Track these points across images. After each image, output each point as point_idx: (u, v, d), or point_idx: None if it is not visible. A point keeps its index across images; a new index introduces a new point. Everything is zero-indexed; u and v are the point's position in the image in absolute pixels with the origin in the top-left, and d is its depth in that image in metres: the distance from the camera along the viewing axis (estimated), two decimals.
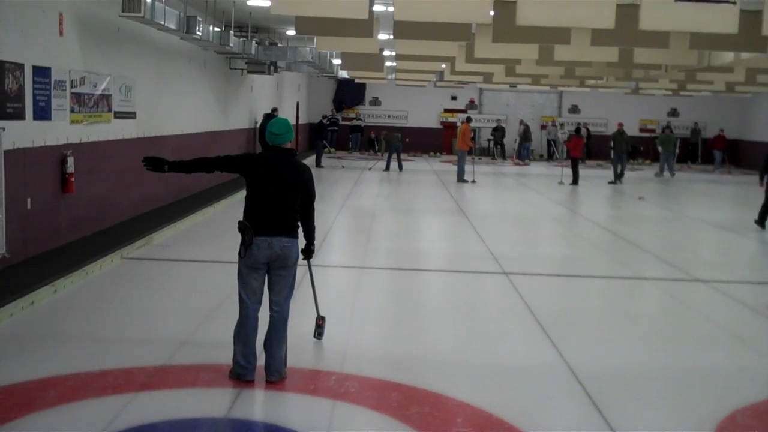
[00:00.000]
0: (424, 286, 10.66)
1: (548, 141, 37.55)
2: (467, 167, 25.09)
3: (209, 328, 7.97)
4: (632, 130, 38.36)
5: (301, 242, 6.65)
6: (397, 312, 9.09)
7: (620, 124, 27.83)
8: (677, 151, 30.78)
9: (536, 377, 6.91)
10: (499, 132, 36.73)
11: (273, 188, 6.30)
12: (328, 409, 5.96)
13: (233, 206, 17.07)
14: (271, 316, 6.50)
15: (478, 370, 7.08)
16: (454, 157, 27.30)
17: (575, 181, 24.56)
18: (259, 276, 6.42)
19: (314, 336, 7.55)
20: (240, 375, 6.41)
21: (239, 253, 6.38)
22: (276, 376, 6.43)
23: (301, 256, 6.60)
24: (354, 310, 8.82)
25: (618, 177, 25.97)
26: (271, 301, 6.50)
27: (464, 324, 8.74)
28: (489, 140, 37.25)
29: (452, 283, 10.97)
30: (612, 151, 26.67)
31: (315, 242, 6.88)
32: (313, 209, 6.61)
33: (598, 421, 5.94)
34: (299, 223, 6.55)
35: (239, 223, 6.35)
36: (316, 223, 6.77)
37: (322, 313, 7.63)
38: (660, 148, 29.80)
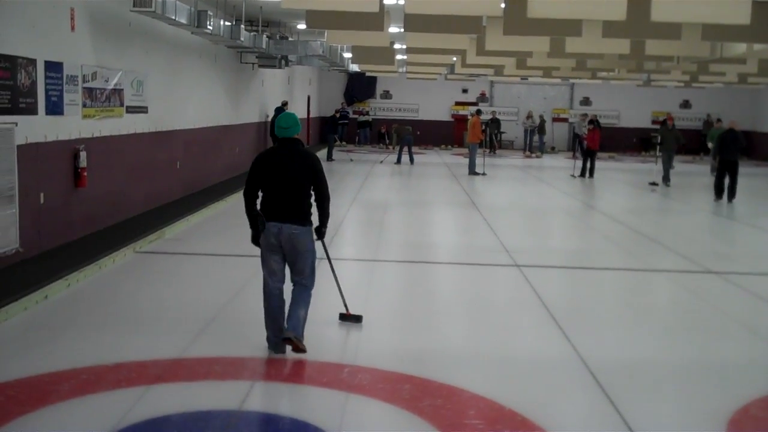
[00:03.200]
0: (436, 279, 10.66)
1: (575, 135, 36.35)
2: (478, 160, 25.06)
3: (222, 321, 7.99)
4: (644, 121, 38.35)
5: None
6: (409, 305, 9.10)
7: (670, 118, 24.89)
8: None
9: (548, 369, 6.91)
10: (494, 123, 35.77)
11: (281, 177, 6.71)
12: (341, 402, 5.97)
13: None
14: (294, 286, 6.90)
15: (490, 362, 7.08)
16: (466, 150, 27.26)
17: (591, 174, 24.27)
18: (278, 258, 6.81)
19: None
20: (273, 348, 6.87)
21: (252, 239, 6.89)
22: (291, 332, 6.68)
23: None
24: (366, 302, 8.83)
25: (664, 179, 22.78)
26: (293, 280, 6.90)
27: (476, 316, 8.74)
28: (483, 131, 36.66)
29: (464, 275, 10.96)
30: (659, 148, 23.53)
31: (327, 230, 7.15)
32: (325, 195, 6.89)
33: (611, 412, 5.93)
34: (315, 209, 6.89)
35: (253, 213, 6.77)
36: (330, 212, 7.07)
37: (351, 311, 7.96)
38: (710, 144, 25.97)
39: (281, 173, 6.71)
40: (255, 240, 6.88)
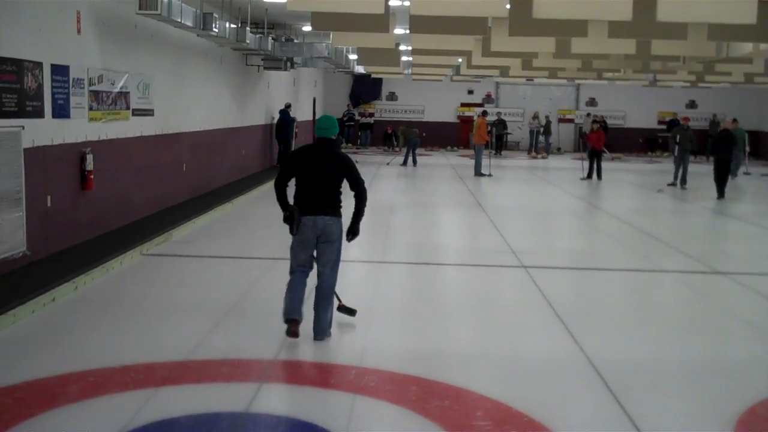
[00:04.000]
0: (443, 280, 10.66)
1: (582, 135, 35.96)
2: (484, 161, 25.05)
3: (229, 323, 8.00)
4: (650, 122, 38.29)
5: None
6: (416, 306, 9.09)
7: (686, 119, 24.04)
8: (748, 148, 26.99)
9: (556, 370, 6.90)
10: (500, 125, 35.73)
11: (314, 174, 7.22)
12: (348, 403, 5.97)
13: (251, 202, 17.15)
14: (318, 285, 7.35)
15: (497, 363, 7.08)
16: (471, 151, 27.26)
17: (599, 175, 24.07)
18: (308, 250, 7.31)
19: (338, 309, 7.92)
20: (287, 316, 7.19)
21: (290, 231, 7.25)
22: (321, 335, 7.32)
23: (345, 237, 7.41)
24: (373, 304, 8.83)
25: (682, 181, 22.09)
26: (318, 271, 7.36)
27: (483, 317, 8.74)
28: (489, 133, 36.61)
29: (471, 276, 10.96)
30: (678, 148, 22.47)
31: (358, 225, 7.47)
32: (360, 192, 7.34)
33: (618, 413, 5.92)
34: (348, 203, 7.35)
35: (288, 207, 7.23)
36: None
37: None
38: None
39: (316, 170, 7.20)
40: (286, 219, 7.24)
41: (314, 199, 7.20)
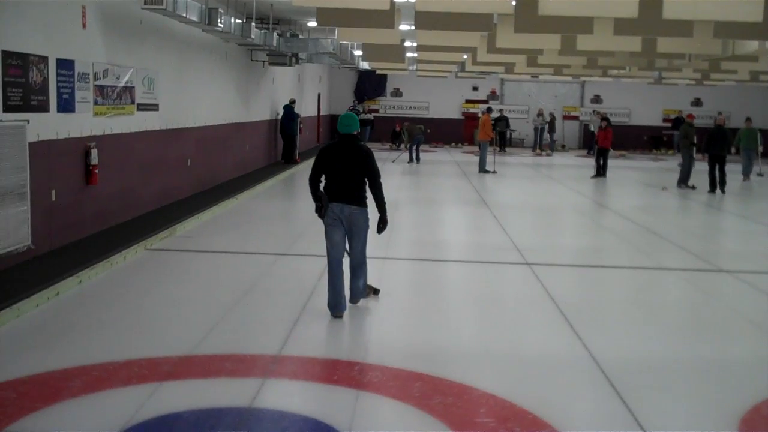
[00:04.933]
0: (447, 277, 10.66)
1: (591, 134, 35.81)
2: (489, 158, 25.03)
3: (233, 318, 8.01)
4: (655, 119, 38.24)
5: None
6: (419, 302, 9.09)
7: (690, 116, 22.92)
8: (761, 147, 24.99)
9: (559, 368, 6.89)
10: (502, 122, 35.13)
11: (341, 167, 7.97)
12: (352, 399, 5.97)
13: (255, 198, 17.15)
14: (351, 259, 8.19)
15: (500, 360, 7.07)
16: (476, 148, 27.21)
17: (604, 173, 23.94)
18: (339, 230, 8.01)
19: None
20: (331, 310, 7.97)
21: (318, 213, 8.02)
22: (355, 299, 8.32)
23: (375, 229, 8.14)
24: (377, 300, 8.83)
25: (684, 179, 21.42)
26: (350, 250, 8.16)
27: (487, 314, 8.73)
28: (493, 129, 36.36)
29: (475, 273, 10.95)
30: (693, 148, 21.47)
31: (386, 215, 8.23)
32: (378, 184, 8.05)
33: (622, 411, 5.92)
34: (370, 194, 8.09)
35: (318, 194, 7.96)
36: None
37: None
38: (741, 144, 24.34)
39: (342, 163, 7.96)
40: (318, 210, 8.01)
41: (341, 190, 7.95)
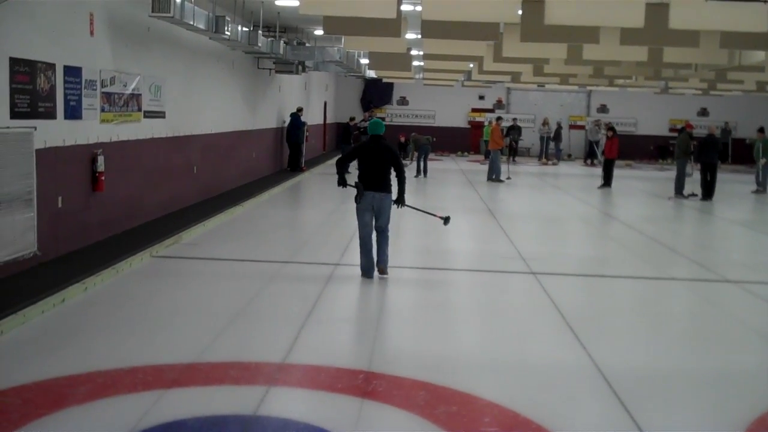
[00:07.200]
0: (452, 286, 10.65)
1: (589, 143, 35.85)
2: (502, 166, 24.98)
3: (238, 326, 8.02)
4: (661, 129, 38.22)
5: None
6: (424, 311, 9.09)
7: (689, 126, 22.98)
8: None
9: (564, 377, 6.88)
10: (515, 131, 34.91)
11: (372, 161, 10.12)
12: (356, 408, 5.97)
13: (261, 206, 17.17)
14: (377, 233, 10.28)
15: (505, 369, 7.06)
16: (482, 157, 27.08)
17: (609, 183, 23.82)
18: (369, 213, 10.18)
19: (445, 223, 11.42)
20: (364, 272, 10.19)
21: (355, 200, 10.15)
22: (381, 264, 10.25)
23: (396, 206, 10.38)
24: (382, 309, 8.82)
25: (679, 188, 21.59)
26: (377, 226, 10.25)
27: (492, 323, 8.73)
28: (506, 137, 36.24)
29: (480, 282, 10.95)
30: (692, 156, 21.65)
31: (403, 199, 10.55)
32: (401, 172, 10.33)
33: (627, 421, 5.90)
34: (394, 181, 10.39)
35: (355, 182, 10.15)
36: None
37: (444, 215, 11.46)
38: (759, 157, 23.45)
39: (373, 158, 10.11)
40: (340, 183, 10.34)
41: (372, 179, 10.08)
